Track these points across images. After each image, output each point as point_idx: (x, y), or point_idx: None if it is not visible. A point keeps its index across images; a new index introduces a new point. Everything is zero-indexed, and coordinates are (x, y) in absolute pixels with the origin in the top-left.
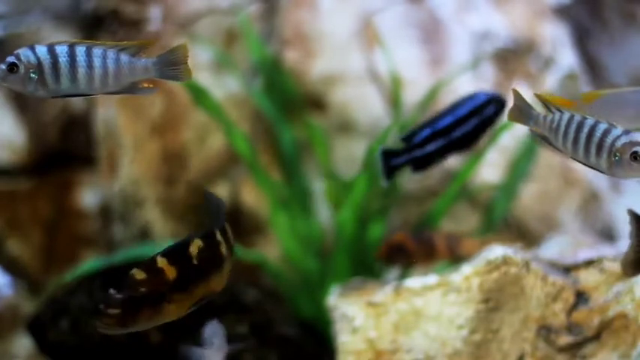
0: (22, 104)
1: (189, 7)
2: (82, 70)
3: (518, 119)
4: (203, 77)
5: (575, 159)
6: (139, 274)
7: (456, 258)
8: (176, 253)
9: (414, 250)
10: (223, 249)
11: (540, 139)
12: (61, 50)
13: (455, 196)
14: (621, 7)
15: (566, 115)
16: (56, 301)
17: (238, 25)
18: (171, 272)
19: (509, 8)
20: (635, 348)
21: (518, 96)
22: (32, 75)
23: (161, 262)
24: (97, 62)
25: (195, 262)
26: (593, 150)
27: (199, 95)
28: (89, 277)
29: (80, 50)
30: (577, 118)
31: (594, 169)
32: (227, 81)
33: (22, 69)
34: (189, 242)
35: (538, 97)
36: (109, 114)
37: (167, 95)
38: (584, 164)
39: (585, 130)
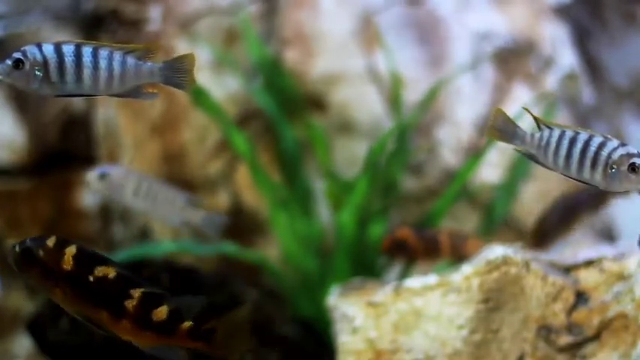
0: (22, 104)
1: (189, 7)
2: (87, 71)
3: (500, 138)
4: (203, 77)
5: (566, 175)
6: (50, 241)
7: (460, 258)
8: (87, 257)
9: (417, 246)
10: (141, 308)
11: (527, 157)
12: (68, 49)
13: (455, 196)
14: (621, 7)
15: (557, 132)
16: None
17: (238, 25)
18: (67, 264)
19: (509, 8)
20: (635, 348)
21: (500, 115)
22: (37, 72)
23: (70, 250)
24: (103, 63)
25: (91, 279)
26: (587, 164)
27: (199, 96)
28: None
29: (87, 51)
30: (569, 133)
31: (587, 183)
32: (227, 81)
33: (27, 66)
34: (108, 261)
35: (527, 110)
36: (109, 114)
37: (167, 95)
38: (577, 180)
39: (579, 144)
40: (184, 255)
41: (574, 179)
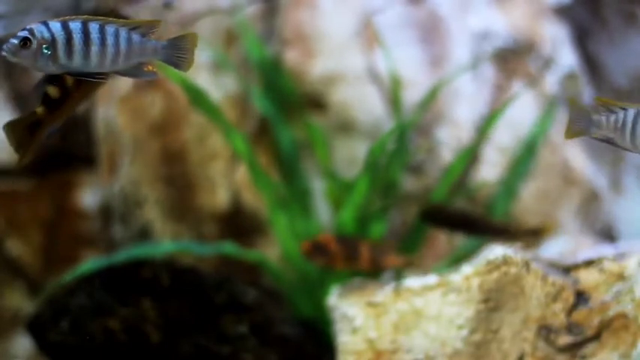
0: (21, 104)
1: (189, 7)
2: (95, 48)
3: (580, 132)
4: (202, 78)
5: None
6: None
7: (378, 270)
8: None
9: (335, 252)
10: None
11: (604, 142)
12: (75, 26)
13: (448, 190)
14: (621, 7)
15: (632, 111)
16: (56, 301)
17: (238, 26)
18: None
19: (509, 8)
20: (635, 348)
21: (575, 105)
22: (45, 50)
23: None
24: (109, 40)
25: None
26: None
27: (197, 96)
28: (89, 277)
29: (94, 27)
30: None
31: None
32: (226, 81)
33: (34, 44)
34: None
35: (597, 100)
36: (109, 114)
37: (167, 95)
38: None
39: None
40: (184, 255)
41: None
